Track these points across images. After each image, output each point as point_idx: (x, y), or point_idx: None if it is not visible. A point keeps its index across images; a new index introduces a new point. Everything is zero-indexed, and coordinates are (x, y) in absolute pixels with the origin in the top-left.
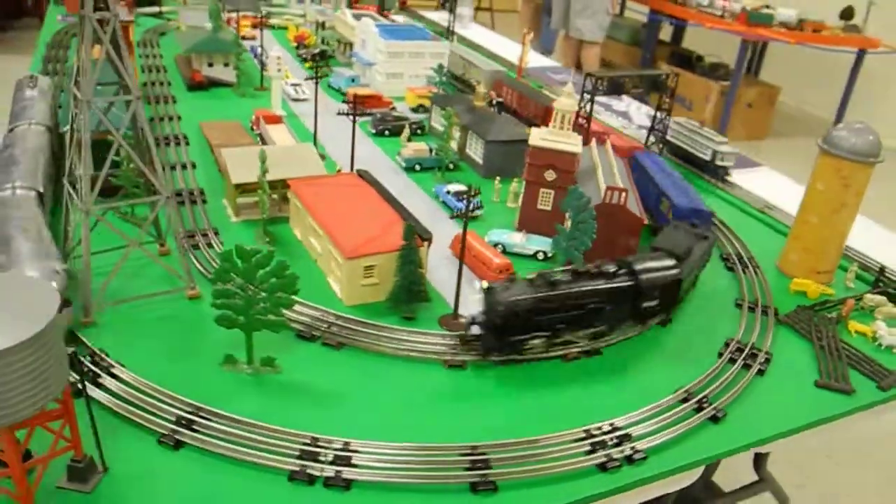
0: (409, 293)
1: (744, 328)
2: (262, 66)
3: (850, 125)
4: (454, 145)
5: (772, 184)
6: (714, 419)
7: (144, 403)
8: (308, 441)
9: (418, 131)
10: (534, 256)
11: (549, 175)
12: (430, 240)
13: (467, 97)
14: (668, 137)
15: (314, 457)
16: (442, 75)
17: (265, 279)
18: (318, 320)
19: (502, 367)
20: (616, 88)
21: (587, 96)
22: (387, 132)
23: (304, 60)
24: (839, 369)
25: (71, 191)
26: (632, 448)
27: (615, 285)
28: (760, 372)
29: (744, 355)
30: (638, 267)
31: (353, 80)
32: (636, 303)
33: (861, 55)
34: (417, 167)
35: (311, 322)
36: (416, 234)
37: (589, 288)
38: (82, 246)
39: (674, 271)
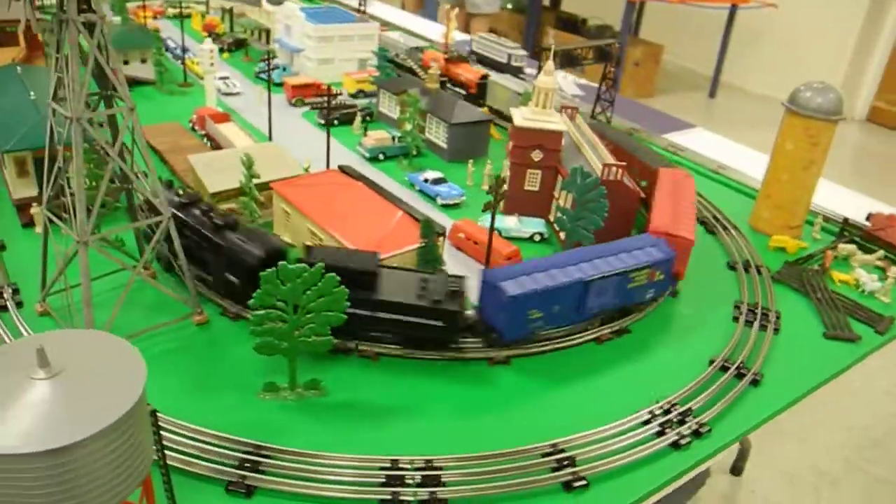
0: None
1: (746, 290)
2: (182, 60)
3: (812, 85)
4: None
5: (706, 142)
6: (755, 383)
7: (199, 451)
8: (388, 465)
9: (367, 118)
10: (530, 239)
11: (536, 155)
12: (443, 234)
13: (416, 80)
14: (474, 49)
15: (401, 481)
16: (384, 59)
17: (313, 299)
18: None
19: (539, 357)
20: (570, 61)
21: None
22: (336, 122)
23: (222, 51)
24: (840, 319)
25: (55, 219)
26: (697, 423)
27: (205, 232)
28: (776, 330)
29: (758, 318)
30: (235, 232)
31: (284, 69)
32: (226, 264)
33: (733, 11)
34: (381, 156)
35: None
36: (434, 230)
37: (194, 223)
38: (82, 281)
39: (251, 256)
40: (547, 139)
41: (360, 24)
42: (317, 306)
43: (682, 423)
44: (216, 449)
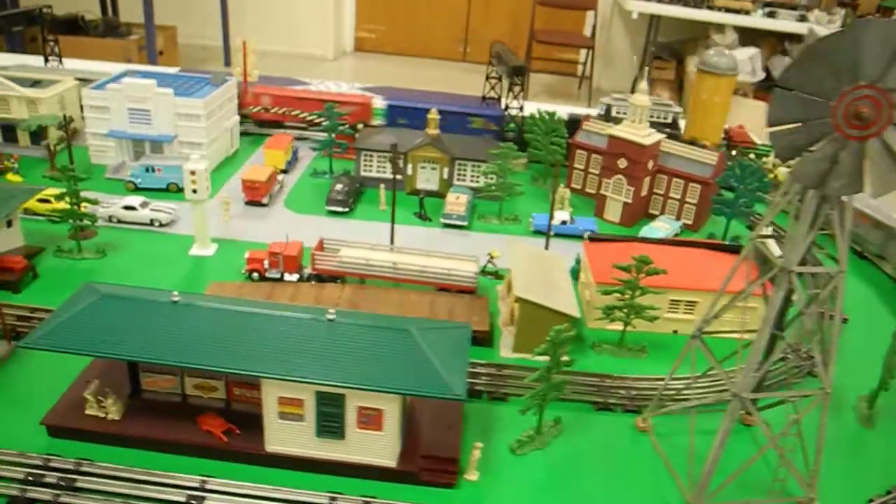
0: None
1: None
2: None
3: (711, 55)
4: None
5: None
6: None
7: None
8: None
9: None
10: (676, 235)
11: (650, 164)
12: None
13: (397, 130)
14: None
15: None
16: (334, 116)
17: None
18: None
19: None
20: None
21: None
22: (352, 202)
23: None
24: None
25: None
26: None
27: None
28: None
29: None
30: None
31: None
32: None
33: None
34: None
35: None
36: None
37: None
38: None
39: None
40: (657, 149)
41: (227, 85)
42: None
43: None
44: None
